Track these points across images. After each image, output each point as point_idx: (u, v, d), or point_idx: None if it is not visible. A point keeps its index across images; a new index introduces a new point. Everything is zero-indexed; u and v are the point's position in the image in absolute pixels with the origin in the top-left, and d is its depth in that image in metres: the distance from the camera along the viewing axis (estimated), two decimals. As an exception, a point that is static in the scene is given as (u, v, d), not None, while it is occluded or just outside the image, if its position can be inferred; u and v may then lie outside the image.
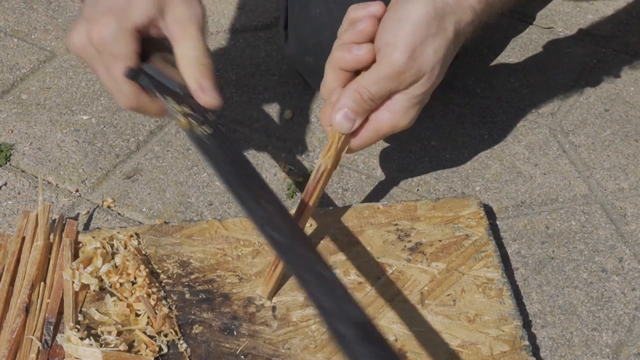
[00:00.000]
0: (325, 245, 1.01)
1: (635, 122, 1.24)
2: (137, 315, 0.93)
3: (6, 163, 1.16)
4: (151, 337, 0.91)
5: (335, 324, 0.70)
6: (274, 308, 0.95)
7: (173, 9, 0.90)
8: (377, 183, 1.14)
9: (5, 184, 1.13)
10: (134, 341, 0.90)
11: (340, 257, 1.00)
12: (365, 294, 0.96)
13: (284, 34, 1.18)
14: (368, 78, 0.91)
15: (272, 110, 1.24)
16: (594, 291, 1.02)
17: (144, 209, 1.10)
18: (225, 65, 1.31)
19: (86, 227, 1.08)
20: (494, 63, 1.33)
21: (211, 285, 0.97)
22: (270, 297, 0.95)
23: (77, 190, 1.12)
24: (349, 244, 1.01)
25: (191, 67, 0.90)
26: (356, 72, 0.94)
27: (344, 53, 0.93)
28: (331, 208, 1.05)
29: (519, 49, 1.35)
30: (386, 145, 1.19)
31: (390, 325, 0.93)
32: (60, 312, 0.92)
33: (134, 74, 0.90)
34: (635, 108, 1.26)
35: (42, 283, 0.95)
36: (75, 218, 1.08)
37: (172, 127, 1.21)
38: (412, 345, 0.91)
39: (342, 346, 0.68)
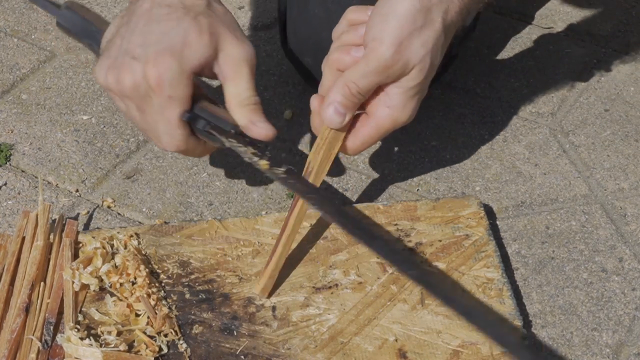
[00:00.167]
0: (326, 245, 1.01)
1: (635, 122, 1.24)
2: (137, 315, 0.93)
3: (6, 163, 1.16)
4: (151, 337, 0.90)
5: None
6: (274, 308, 0.95)
7: (226, 49, 0.91)
8: (377, 183, 1.14)
9: (5, 184, 1.13)
10: (134, 341, 0.90)
11: (341, 257, 1.00)
12: (365, 294, 0.96)
13: (283, 35, 1.19)
14: (356, 72, 0.92)
15: (272, 110, 1.24)
16: (594, 291, 1.02)
17: (144, 209, 1.10)
18: (225, 65, 1.31)
19: (86, 227, 1.08)
20: (494, 63, 1.33)
21: (211, 285, 0.97)
22: (264, 294, 0.95)
23: (77, 190, 1.12)
24: (349, 243, 1.01)
25: (243, 106, 0.91)
26: None
27: (342, 55, 0.94)
28: (331, 208, 1.05)
29: (519, 49, 1.35)
30: (386, 145, 1.19)
31: (390, 325, 0.93)
32: (60, 312, 0.92)
33: (191, 117, 0.90)
34: (635, 108, 1.26)
35: (42, 283, 0.95)
36: (75, 218, 1.08)
37: (172, 127, 1.21)
38: (412, 345, 0.91)
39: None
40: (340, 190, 1.13)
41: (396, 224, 1.03)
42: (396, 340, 0.92)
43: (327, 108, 0.94)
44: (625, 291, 1.02)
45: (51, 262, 0.97)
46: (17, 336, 0.90)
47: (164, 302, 0.94)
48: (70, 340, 0.89)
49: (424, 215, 1.04)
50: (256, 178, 1.15)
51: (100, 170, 1.15)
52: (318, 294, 0.96)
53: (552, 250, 1.07)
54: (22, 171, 1.15)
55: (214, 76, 0.93)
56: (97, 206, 1.11)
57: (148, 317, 0.92)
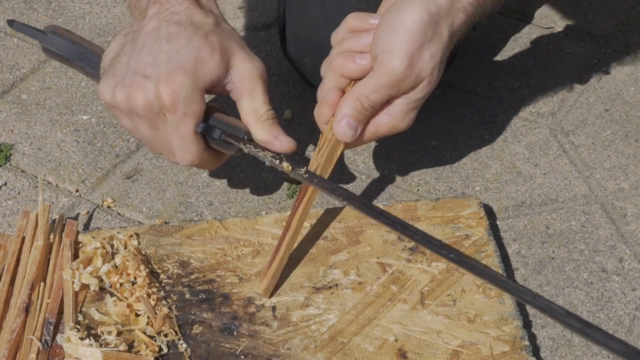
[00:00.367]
0: (326, 245, 1.01)
1: (635, 122, 1.24)
2: (137, 315, 0.93)
3: (6, 163, 1.16)
4: (151, 337, 0.90)
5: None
6: (274, 308, 0.95)
7: (239, 65, 0.91)
8: (377, 183, 1.14)
9: (5, 184, 1.13)
10: (134, 341, 0.90)
11: (341, 257, 1.00)
12: (365, 294, 0.96)
13: (282, 36, 1.19)
14: (367, 86, 0.93)
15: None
16: (594, 291, 1.02)
17: (144, 209, 1.10)
18: (225, 65, 1.31)
19: (86, 227, 1.08)
20: (494, 63, 1.33)
21: (211, 285, 0.97)
22: (266, 294, 0.95)
23: (77, 190, 1.12)
24: (349, 244, 1.01)
25: (262, 122, 0.92)
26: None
27: (346, 61, 0.94)
28: (331, 208, 1.05)
29: (519, 49, 1.35)
30: (386, 145, 1.19)
31: (390, 325, 0.93)
32: (60, 312, 0.92)
33: (206, 127, 0.91)
34: (635, 108, 1.26)
35: (42, 283, 0.95)
36: (75, 218, 1.08)
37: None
38: (412, 345, 0.91)
39: None
40: (340, 190, 1.13)
41: (396, 224, 1.03)
42: (396, 340, 0.92)
43: (339, 122, 0.95)
44: (625, 291, 1.02)
45: (51, 262, 0.97)
46: (17, 336, 0.90)
47: (164, 302, 0.94)
48: (70, 340, 0.89)
49: (424, 215, 1.04)
50: (256, 178, 1.15)
51: (100, 170, 1.15)
52: (318, 294, 0.96)
53: (552, 250, 1.07)
54: (22, 171, 1.15)
55: (225, 93, 0.93)
56: (97, 206, 1.11)
57: (148, 317, 0.92)
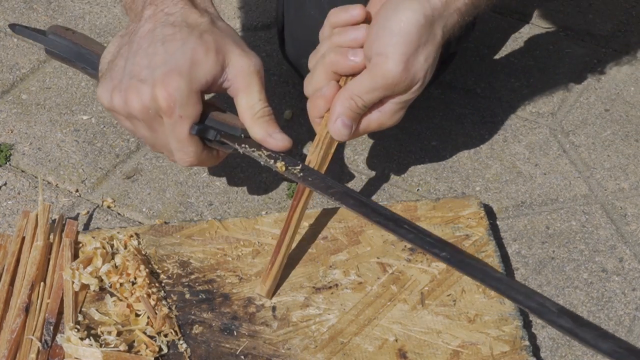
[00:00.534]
0: (326, 245, 1.01)
1: (635, 122, 1.24)
2: (137, 315, 0.93)
3: (6, 163, 1.16)
4: (151, 337, 0.90)
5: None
6: (274, 308, 0.95)
7: (235, 62, 0.91)
8: (377, 183, 1.14)
9: (5, 184, 1.13)
10: (134, 341, 0.90)
11: (341, 257, 1.00)
12: (365, 294, 0.96)
13: (280, 37, 1.19)
14: (361, 86, 0.92)
15: (272, 110, 1.24)
16: (594, 291, 1.02)
17: (144, 209, 1.10)
18: (225, 65, 1.31)
19: (86, 227, 1.07)
20: (494, 63, 1.33)
21: (211, 285, 0.97)
22: (268, 296, 0.95)
23: (77, 190, 1.12)
24: (349, 244, 1.01)
25: (257, 118, 0.92)
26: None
27: (339, 57, 0.94)
28: (331, 208, 1.05)
29: (519, 49, 1.35)
30: (386, 145, 1.19)
31: (390, 325, 0.93)
32: (60, 312, 0.92)
33: (201, 130, 0.91)
34: (635, 108, 1.26)
35: (42, 283, 0.95)
36: (75, 218, 1.08)
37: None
38: (412, 345, 0.91)
39: None
40: (340, 190, 1.13)
41: (396, 224, 1.03)
42: (396, 341, 0.92)
43: (334, 122, 0.95)
44: (625, 291, 1.02)
45: (51, 262, 0.97)
46: (17, 336, 0.90)
47: (164, 302, 0.94)
48: (70, 340, 0.89)
49: (424, 215, 1.04)
50: (256, 178, 1.14)
51: (100, 170, 1.15)
52: (318, 294, 0.96)
53: (552, 250, 1.07)
54: (22, 171, 1.15)
55: (222, 91, 0.93)
56: (97, 206, 1.11)
57: (148, 317, 0.92)
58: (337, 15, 0.96)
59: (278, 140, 0.93)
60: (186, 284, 0.97)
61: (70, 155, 1.17)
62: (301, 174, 0.92)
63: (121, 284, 0.94)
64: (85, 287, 0.95)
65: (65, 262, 0.96)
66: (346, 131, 0.95)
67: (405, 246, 1.01)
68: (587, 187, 1.15)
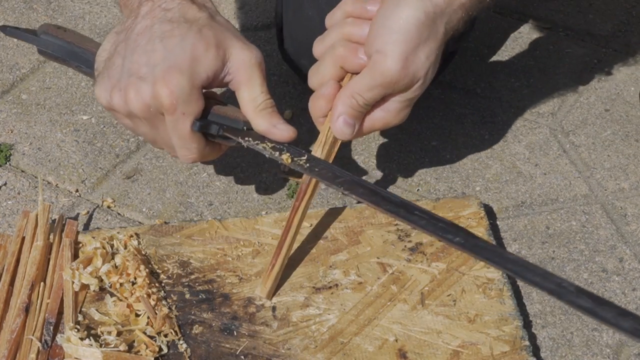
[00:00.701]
0: (326, 245, 1.01)
1: (635, 122, 1.24)
2: (137, 315, 0.93)
3: (6, 163, 1.16)
4: (151, 337, 0.90)
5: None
6: (274, 308, 0.95)
7: (235, 55, 0.90)
8: (377, 183, 1.14)
9: (5, 184, 1.13)
10: (134, 341, 0.90)
11: (341, 257, 1.00)
12: (365, 294, 0.96)
13: (279, 38, 1.19)
14: (361, 84, 0.91)
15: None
16: (594, 291, 1.02)
17: (144, 209, 1.10)
18: (225, 65, 1.31)
19: (86, 227, 1.07)
20: (494, 63, 1.33)
21: (211, 285, 0.97)
22: (269, 297, 0.95)
23: (77, 190, 1.12)
24: (349, 244, 1.01)
25: (260, 111, 0.92)
26: None
27: (349, 53, 0.93)
28: (331, 208, 1.05)
29: (519, 49, 1.35)
30: (386, 145, 1.19)
31: (391, 325, 0.93)
32: (60, 312, 0.92)
33: (203, 126, 0.90)
34: (635, 108, 1.26)
35: (42, 283, 0.95)
36: (75, 218, 1.08)
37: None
38: (412, 345, 0.91)
39: None
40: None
41: (396, 224, 1.03)
42: (396, 341, 0.92)
43: (336, 121, 0.94)
44: (625, 291, 1.02)
45: (51, 262, 0.97)
46: (17, 336, 0.90)
47: (164, 302, 0.94)
48: (70, 340, 0.89)
49: (424, 215, 1.04)
50: (256, 178, 1.14)
51: (100, 170, 1.15)
52: (318, 294, 0.96)
53: (553, 250, 1.07)
54: (22, 171, 1.15)
55: (224, 85, 0.93)
56: (97, 206, 1.11)
57: (148, 317, 0.92)
58: (354, 5, 0.94)
59: (283, 130, 0.92)
60: (186, 284, 0.97)
61: (70, 155, 1.17)
62: (307, 164, 0.90)
63: (121, 284, 0.94)
64: (85, 287, 0.95)
65: (65, 262, 0.96)
66: (348, 130, 0.94)
67: (405, 246, 1.01)
68: (587, 187, 1.15)
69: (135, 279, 0.94)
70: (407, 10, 0.88)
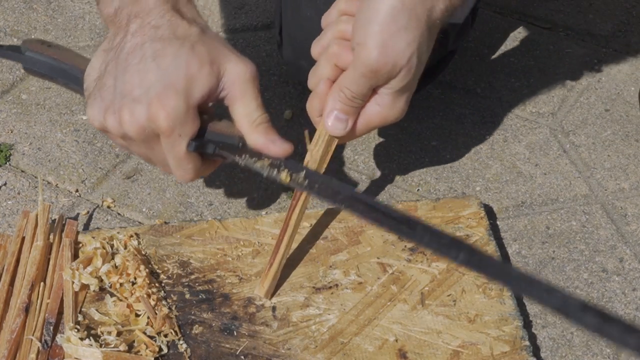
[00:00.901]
0: (326, 246, 1.01)
1: (635, 122, 1.24)
2: (137, 315, 0.92)
3: (6, 163, 1.16)
4: (151, 337, 0.90)
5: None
6: (274, 308, 0.95)
7: (229, 70, 0.89)
8: (377, 183, 1.14)
9: (5, 184, 1.13)
10: (134, 341, 0.90)
11: (341, 257, 1.00)
12: (365, 294, 0.96)
13: (279, 39, 1.19)
14: (347, 77, 0.91)
15: (272, 110, 1.24)
16: (594, 291, 1.02)
17: (144, 209, 1.10)
18: (225, 65, 1.31)
19: (86, 227, 1.07)
20: (494, 63, 1.33)
21: (211, 285, 0.97)
22: (267, 297, 0.95)
23: (77, 190, 1.12)
24: (349, 244, 1.01)
25: (256, 126, 0.90)
26: None
27: (343, 51, 0.92)
28: (331, 208, 1.05)
29: (519, 49, 1.35)
30: (386, 145, 1.19)
31: (390, 326, 0.93)
32: (60, 313, 0.92)
33: (199, 146, 0.88)
34: (635, 108, 1.26)
35: (42, 283, 0.95)
36: (75, 218, 1.08)
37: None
38: (412, 345, 0.91)
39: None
40: (341, 190, 1.13)
41: (396, 224, 1.03)
42: (396, 341, 0.92)
43: (327, 117, 0.93)
44: (625, 291, 1.02)
45: (51, 262, 0.97)
46: (17, 336, 0.90)
47: (164, 302, 0.94)
48: (70, 340, 0.89)
49: (424, 215, 1.04)
50: (256, 178, 1.14)
51: (100, 170, 1.15)
52: (318, 294, 0.96)
53: (553, 250, 1.06)
54: (22, 171, 1.15)
55: (219, 102, 0.91)
56: (97, 206, 1.11)
57: (148, 318, 0.92)
58: (348, 3, 0.94)
59: (279, 146, 0.90)
60: (186, 284, 0.97)
61: (70, 155, 1.17)
62: (306, 181, 0.89)
63: (121, 284, 0.94)
64: (85, 287, 0.95)
65: (65, 262, 0.96)
66: (340, 125, 0.93)
67: (405, 246, 1.01)
68: (587, 187, 1.15)
69: (135, 279, 0.94)
70: (383, 0, 0.88)
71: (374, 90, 0.93)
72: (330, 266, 0.99)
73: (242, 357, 0.90)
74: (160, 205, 1.11)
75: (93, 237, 0.99)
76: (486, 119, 1.24)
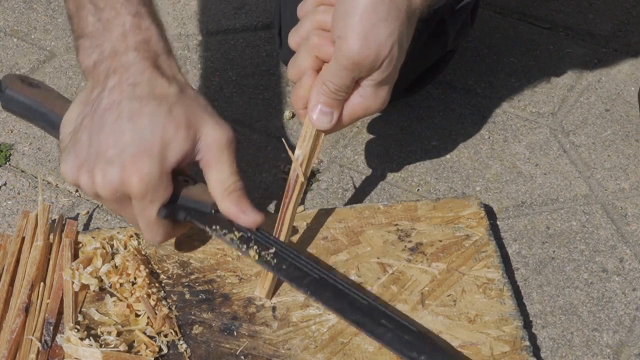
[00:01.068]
0: (326, 246, 1.01)
1: (636, 122, 1.24)
2: (137, 315, 0.92)
3: (6, 163, 1.16)
4: (151, 337, 0.90)
5: None
6: (274, 308, 0.95)
7: (205, 135, 0.86)
8: (377, 183, 1.14)
9: (5, 184, 1.13)
10: (133, 341, 0.90)
11: (341, 257, 1.00)
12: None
13: (279, 39, 1.18)
14: (329, 70, 0.91)
15: (272, 110, 1.24)
16: (594, 291, 1.02)
17: (143, 209, 1.10)
18: (225, 65, 1.31)
19: (86, 227, 1.07)
20: (494, 63, 1.33)
21: (211, 285, 0.97)
22: (268, 297, 0.95)
23: (77, 190, 1.12)
24: (349, 244, 1.01)
25: (229, 194, 0.88)
26: None
27: (322, 42, 0.92)
28: (331, 208, 1.05)
29: (519, 49, 1.35)
30: (386, 145, 1.19)
31: (391, 326, 0.93)
32: (60, 313, 0.92)
33: (169, 213, 0.87)
34: (635, 108, 1.26)
35: (42, 283, 0.95)
36: (75, 218, 1.08)
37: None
38: (413, 345, 0.91)
39: None
40: (340, 191, 1.13)
41: (396, 224, 1.03)
42: (396, 341, 0.92)
43: (312, 111, 0.92)
44: (625, 291, 1.02)
45: (51, 262, 0.97)
46: (17, 336, 0.90)
47: (164, 302, 0.94)
48: (70, 340, 0.88)
49: (424, 215, 1.04)
50: (256, 178, 1.14)
51: (100, 170, 1.15)
52: (318, 294, 0.96)
53: (553, 250, 1.06)
54: (22, 171, 1.15)
55: (193, 164, 0.89)
56: (97, 206, 1.10)
57: (148, 318, 0.92)
58: None
59: (249, 217, 0.88)
60: (186, 284, 0.97)
61: (70, 155, 1.17)
62: (275, 260, 0.88)
63: (121, 284, 0.94)
64: (85, 287, 0.94)
65: (65, 262, 0.96)
66: (325, 118, 0.93)
67: (405, 246, 1.01)
68: (587, 187, 1.15)
69: (135, 279, 0.94)
70: None
71: (356, 82, 0.92)
72: (331, 266, 0.99)
73: (242, 357, 0.90)
74: (160, 205, 1.11)
75: (93, 237, 0.99)
76: (486, 119, 1.24)
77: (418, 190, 1.14)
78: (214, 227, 0.89)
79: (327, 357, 0.90)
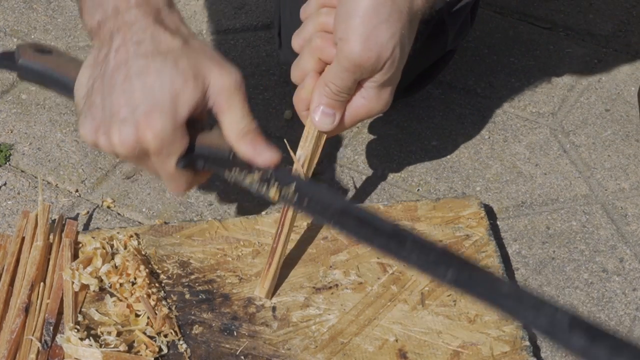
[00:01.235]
0: (326, 245, 1.01)
1: (636, 122, 1.24)
2: (137, 315, 0.92)
3: (6, 163, 1.16)
4: (151, 337, 0.90)
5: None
6: (274, 308, 0.95)
7: (214, 82, 0.88)
8: (377, 183, 1.14)
9: (5, 184, 1.13)
10: (133, 341, 0.90)
11: (341, 257, 1.00)
12: (365, 294, 0.96)
13: (278, 40, 1.18)
14: (331, 72, 0.91)
15: (272, 110, 1.24)
16: (594, 291, 1.02)
17: (143, 209, 1.10)
18: (225, 65, 1.31)
19: (86, 227, 1.07)
20: (494, 63, 1.33)
21: (211, 285, 0.97)
22: (267, 297, 0.95)
23: (77, 190, 1.12)
24: (350, 243, 1.01)
25: (243, 136, 0.89)
26: None
27: (325, 44, 0.92)
28: (331, 208, 1.05)
29: (519, 49, 1.35)
30: (386, 145, 1.19)
31: (391, 326, 0.93)
32: (60, 313, 0.92)
33: (188, 162, 0.88)
34: (636, 108, 1.26)
35: (42, 283, 0.95)
36: (75, 218, 1.08)
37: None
38: (412, 345, 0.91)
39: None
40: (340, 191, 1.13)
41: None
42: (396, 341, 0.92)
43: (314, 113, 0.93)
44: (626, 291, 1.02)
45: (51, 263, 0.97)
46: (17, 336, 0.90)
47: (164, 302, 0.94)
48: (70, 340, 0.88)
49: (424, 215, 1.04)
50: (256, 178, 1.14)
51: (100, 170, 1.15)
52: (318, 294, 0.96)
53: (553, 250, 1.06)
54: (22, 171, 1.15)
55: (206, 113, 0.90)
56: (97, 206, 1.11)
57: (148, 318, 0.92)
58: None
59: (266, 156, 0.89)
60: (186, 284, 0.97)
61: (70, 155, 1.17)
62: (296, 196, 0.88)
63: (121, 284, 0.94)
64: (85, 287, 0.94)
65: (65, 262, 0.96)
66: (328, 120, 0.93)
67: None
68: (587, 187, 1.15)
69: (135, 279, 0.94)
70: None
71: (359, 84, 0.92)
72: (331, 266, 0.99)
73: (242, 357, 0.90)
74: (160, 205, 1.11)
75: (93, 237, 0.99)
76: (486, 119, 1.24)
77: (418, 190, 1.14)
78: (232, 170, 0.89)
79: (327, 357, 0.90)
